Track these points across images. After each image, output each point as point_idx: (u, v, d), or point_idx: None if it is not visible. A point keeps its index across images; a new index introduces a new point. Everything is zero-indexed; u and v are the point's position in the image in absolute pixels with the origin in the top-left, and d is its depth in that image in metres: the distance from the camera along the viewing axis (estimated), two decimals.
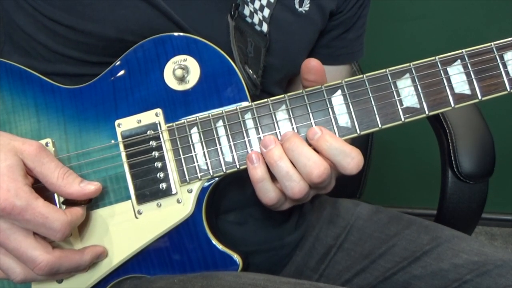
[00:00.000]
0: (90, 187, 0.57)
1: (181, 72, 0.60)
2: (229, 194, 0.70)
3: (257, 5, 0.66)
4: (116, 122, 0.61)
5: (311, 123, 0.59)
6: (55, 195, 0.59)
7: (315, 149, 0.57)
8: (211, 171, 0.59)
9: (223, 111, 0.60)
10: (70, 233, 0.55)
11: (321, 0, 0.72)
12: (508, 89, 0.58)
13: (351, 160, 0.55)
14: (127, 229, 0.60)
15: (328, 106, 0.59)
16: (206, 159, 0.59)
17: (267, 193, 0.57)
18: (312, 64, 0.57)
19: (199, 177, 0.59)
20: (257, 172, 0.56)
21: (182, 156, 0.60)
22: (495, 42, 0.59)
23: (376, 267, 0.75)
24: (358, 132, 0.59)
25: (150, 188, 0.60)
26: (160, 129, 0.60)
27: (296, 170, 0.56)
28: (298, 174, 0.55)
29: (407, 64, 0.59)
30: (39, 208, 0.52)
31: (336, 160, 0.55)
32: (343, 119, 0.59)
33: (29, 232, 0.54)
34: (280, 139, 0.58)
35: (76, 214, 0.56)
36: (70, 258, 0.56)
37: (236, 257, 0.61)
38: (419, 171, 1.88)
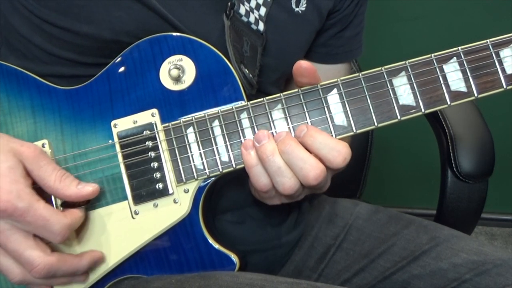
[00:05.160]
0: (88, 189, 0.57)
1: (177, 72, 0.60)
2: (227, 193, 0.70)
3: (253, 4, 0.66)
4: (112, 122, 0.61)
5: (307, 122, 0.58)
6: (52, 196, 0.59)
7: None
8: (207, 171, 0.59)
9: (219, 111, 0.59)
10: (69, 235, 0.56)
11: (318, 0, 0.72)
12: (504, 86, 0.58)
13: (337, 153, 0.55)
14: (124, 229, 0.60)
15: (324, 105, 0.59)
16: (202, 159, 0.59)
17: (261, 177, 0.57)
18: (303, 66, 0.56)
19: (196, 177, 0.59)
20: (251, 157, 0.56)
21: (178, 156, 0.60)
22: (491, 40, 0.58)
23: (375, 266, 0.75)
24: (354, 130, 0.58)
25: (147, 189, 0.60)
26: (156, 129, 0.60)
27: (288, 167, 0.55)
28: (290, 170, 0.55)
29: (403, 62, 0.58)
30: (40, 210, 0.52)
31: (322, 154, 0.55)
32: (339, 118, 0.58)
33: (28, 234, 0.54)
34: (274, 139, 0.57)
35: (75, 217, 0.56)
36: (68, 262, 0.56)
37: (233, 256, 0.61)
38: (419, 171, 1.88)
